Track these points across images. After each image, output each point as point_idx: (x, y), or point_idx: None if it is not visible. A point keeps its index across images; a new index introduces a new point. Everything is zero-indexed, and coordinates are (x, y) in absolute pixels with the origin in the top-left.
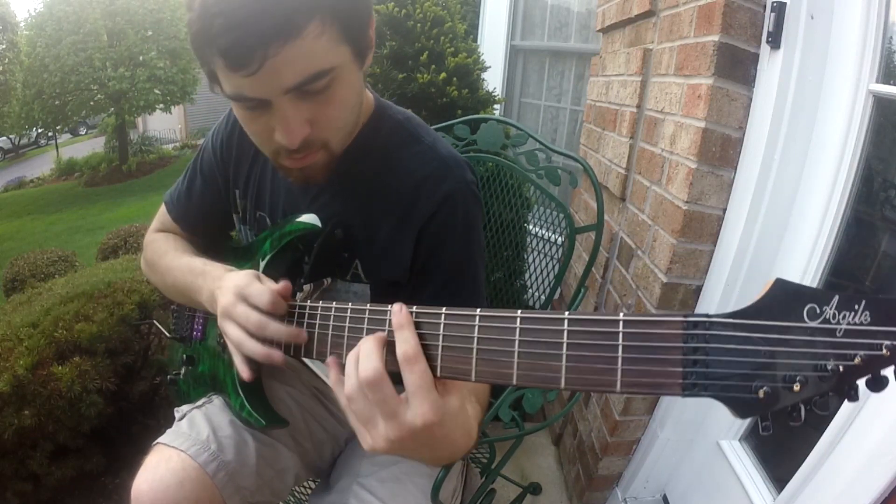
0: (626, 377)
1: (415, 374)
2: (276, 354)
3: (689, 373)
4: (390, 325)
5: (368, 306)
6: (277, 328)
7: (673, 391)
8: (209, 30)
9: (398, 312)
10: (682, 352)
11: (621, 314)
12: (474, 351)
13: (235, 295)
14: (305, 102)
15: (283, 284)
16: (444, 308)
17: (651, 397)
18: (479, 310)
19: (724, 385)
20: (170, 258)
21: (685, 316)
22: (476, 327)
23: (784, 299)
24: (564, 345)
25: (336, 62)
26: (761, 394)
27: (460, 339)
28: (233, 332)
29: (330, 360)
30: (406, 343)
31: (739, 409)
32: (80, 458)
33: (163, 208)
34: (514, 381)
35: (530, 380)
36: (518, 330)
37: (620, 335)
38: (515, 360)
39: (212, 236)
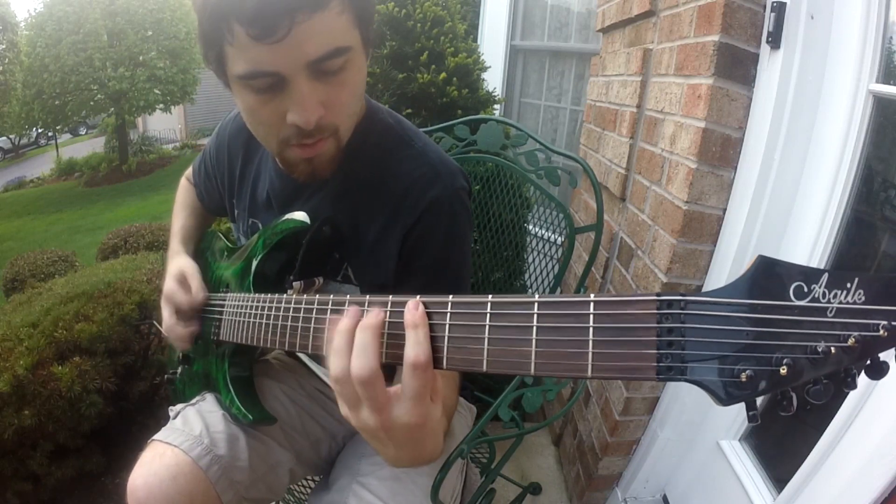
0: (598, 361)
1: (419, 380)
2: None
3: (663, 355)
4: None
5: (331, 298)
6: (180, 331)
7: (647, 375)
8: None
9: (413, 310)
10: (655, 333)
11: (592, 295)
12: (446, 339)
13: (166, 298)
14: (321, 83)
15: (196, 292)
16: (417, 296)
17: (651, 396)
18: (451, 296)
19: (701, 368)
20: (176, 209)
21: (658, 295)
22: (448, 314)
23: (768, 277)
24: (534, 329)
25: (352, 43)
26: (744, 377)
27: (433, 328)
28: (165, 320)
29: (331, 319)
30: (419, 346)
31: (720, 394)
32: (80, 458)
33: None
34: (485, 368)
35: (500, 366)
36: (488, 315)
37: (591, 317)
38: (486, 346)
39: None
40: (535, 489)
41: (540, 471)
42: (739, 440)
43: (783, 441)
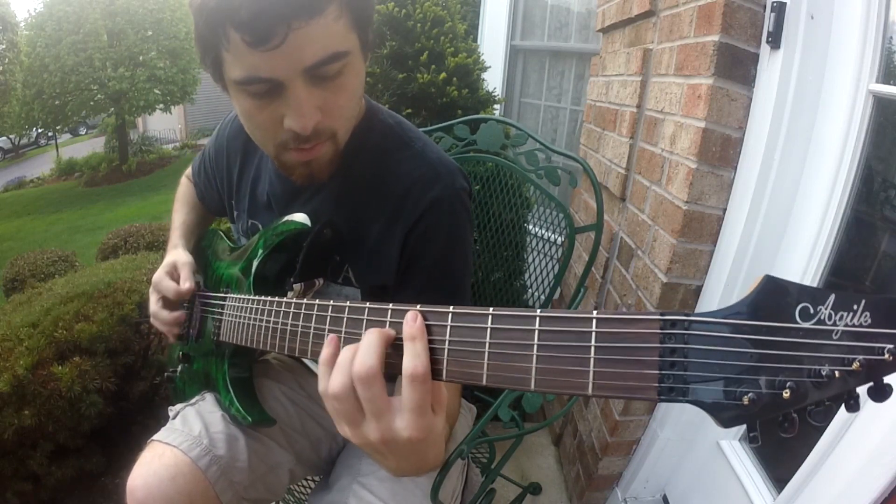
0: (599, 379)
1: (418, 392)
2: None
3: (665, 376)
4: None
5: (348, 304)
6: (165, 316)
7: (648, 395)
8: (231, 1)
9: (412, 322)
10: (658, 353)
11: (595, 312)
12: (445, 350)
13: (153, 286)
14: (318, 89)
15: (183, 281)
16: (417, 306)
17: None
18: (452, 307)
19: (703, 389)
20: (176, 206)
21: (662, 314)
22: (448, 327)
23: (774, 298)
24: (535, 345)
25: (350, 47)
26: (746, 400)
27: (433, 340)
28: (152, 306)
29: (330, 337)
30: (417, 358)
31: (721, 416)
32: (80, 458)
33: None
34: (484, 382)
35: (500, 380)
36: (489, 329)
37: (593, 335)
38: (485, 360)
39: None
40: (535, 489)
41: (540, 471)
42: (739, 440)
43: (783, 441)
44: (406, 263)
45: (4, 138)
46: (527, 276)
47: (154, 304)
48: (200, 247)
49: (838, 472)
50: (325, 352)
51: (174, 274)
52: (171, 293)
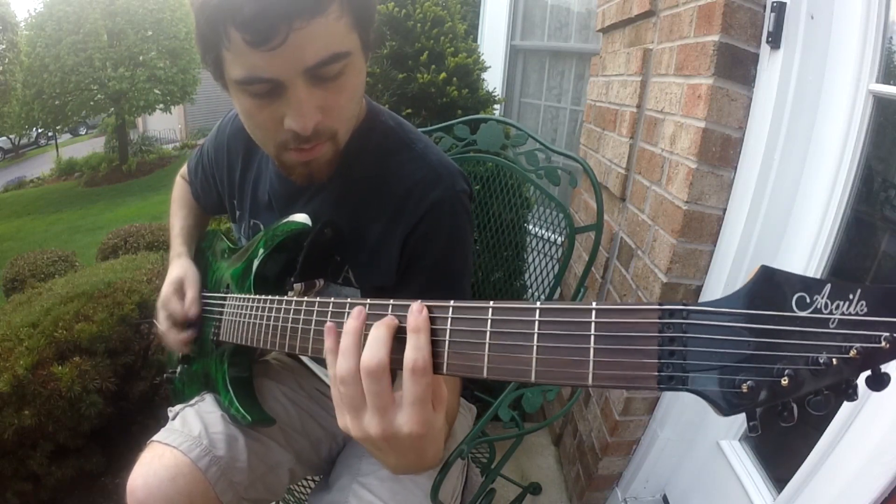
0: (598, 370)
1: (419, 385)
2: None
3: (664, 365)
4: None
5: (348, 300)
6: (175, 337)
7: (648, 385)
8: (232, 1)
9: (417, 314)
10: (657, 342)
11: (594, 303)
12: (446, 343)
13: (161, 304)
14: (318, 89)
15: (189, 304)
16: (418, 300)
17: (651, 397)
18: (452, 301)
19: (702, 378)
20: (174, 208)
21: (661, 304)
22: (449, 319)
23: (770, 288)
24: (535, 336)
25: (351, 48)
26: (745, 388)
27: (434, 332)
28: (161, 324)
29: (327, 327)
30: (419, 351)
31: (721, 404)
32: (80, 458)
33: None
34: (485, 374)
35: (500, 372)
36: (490, 321)
37: (592, 325)
38: (486, 352)
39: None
40: (535, 489)
41: (540, 471)
42: (739, 440)
43: (783, 441)
44: (406, 264)
45: (4, 138)
46: (527, 276)
47: (163, 324)
48: (200, 248)
49: (838, 472)
50: (328, 343)
51: (181, 292)
52: (179, 315)
